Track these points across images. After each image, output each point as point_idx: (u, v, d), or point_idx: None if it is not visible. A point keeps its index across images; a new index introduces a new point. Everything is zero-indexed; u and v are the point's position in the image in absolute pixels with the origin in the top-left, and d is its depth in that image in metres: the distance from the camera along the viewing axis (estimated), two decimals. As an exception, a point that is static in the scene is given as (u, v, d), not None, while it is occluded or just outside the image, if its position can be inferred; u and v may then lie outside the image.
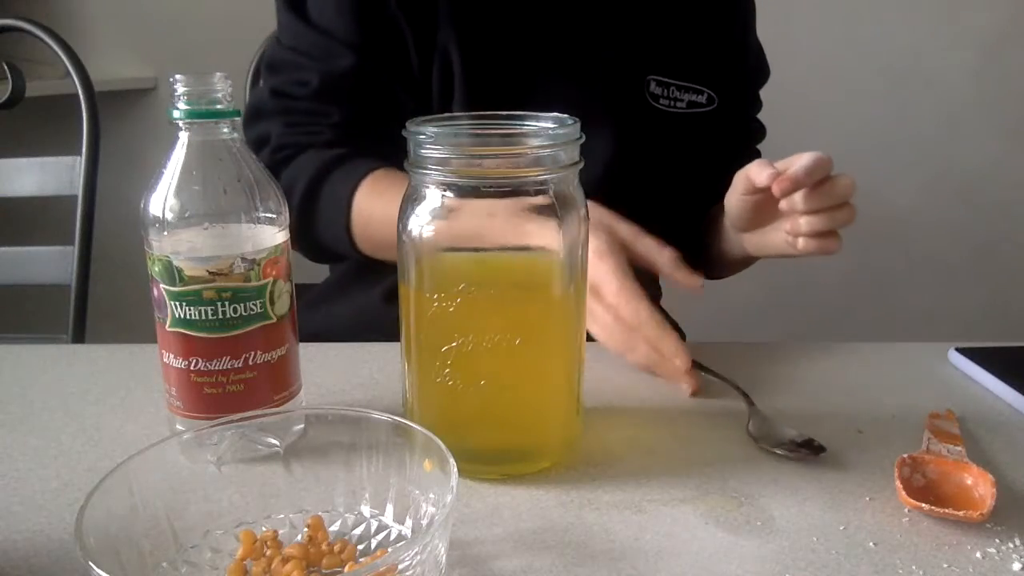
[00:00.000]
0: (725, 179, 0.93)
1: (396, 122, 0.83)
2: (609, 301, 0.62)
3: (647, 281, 1.03)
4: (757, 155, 1.01)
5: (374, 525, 0.44)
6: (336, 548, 0.42)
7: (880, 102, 1.95)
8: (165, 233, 0.49)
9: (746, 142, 1.00)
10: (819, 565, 0.43)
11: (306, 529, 0.43)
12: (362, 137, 0.81)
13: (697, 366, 0.65)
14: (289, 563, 0.40)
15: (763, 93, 1.00)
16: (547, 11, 0.83)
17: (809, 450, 0.53)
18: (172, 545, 0.40)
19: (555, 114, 0.51)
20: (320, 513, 0.44)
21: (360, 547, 0.43)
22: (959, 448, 0.52)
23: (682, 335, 0.98)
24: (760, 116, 1.01)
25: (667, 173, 0.86)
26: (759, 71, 0.98)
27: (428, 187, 0.48)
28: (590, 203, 0.51)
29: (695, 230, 0.94)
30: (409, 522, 0.43)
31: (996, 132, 1.98)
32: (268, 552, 0.41)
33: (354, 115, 0.81)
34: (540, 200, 0.48)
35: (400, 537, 0.43)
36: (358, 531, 0.44)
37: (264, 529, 0.43)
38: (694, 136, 0.88)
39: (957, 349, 0.69)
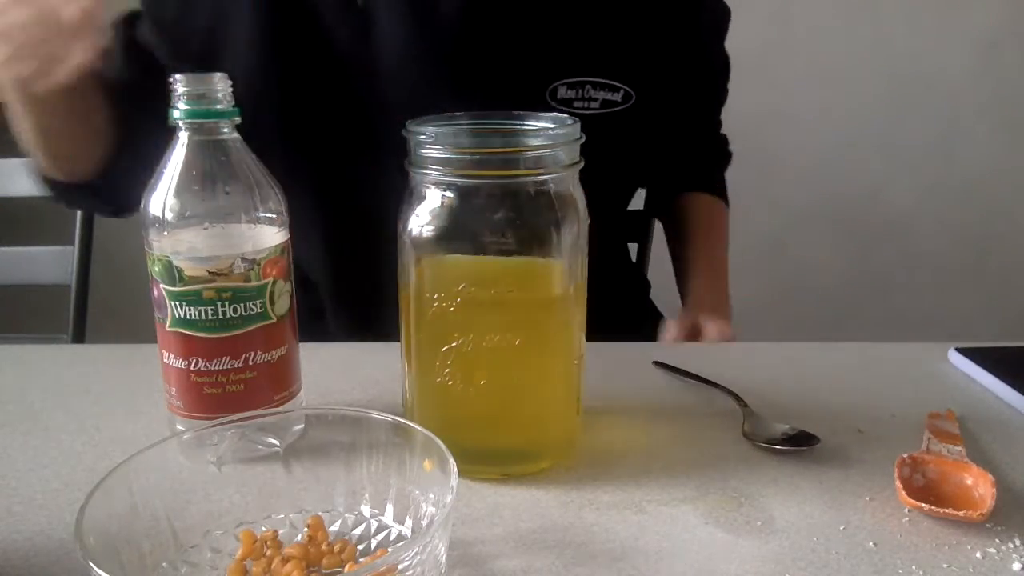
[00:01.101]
0: (670, 172, 0.93)
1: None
2: None
3: (622, 272, 1.02)
4: (723, 155, 1.01)
5: (374, 525, 0.44)
6: (336, 548, 0.42)
7: (880, 103, 1.95)
8: (165, 233, 0.49)
9: (705, 136, 0.98)
10: (819, 565, 0.43)
11: (306, 529, 0.43)
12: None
13: (687, 374, 0.65)
14: (289, 563, 0.40)
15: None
16: (431, 36, 0.77)
17: (802, 441, 0.54)
18: (172, 545, 0.40)
19: (554, 114, 0.51)
20: (320, 513, 0.44)
21: (360, 547, 0.43)
22: (959, 448, 0.52)
23: None
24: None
25: (591, 176, 0.81)
26: (717, 65, 0.94)
27: (428, 187, 0.48)
28: None
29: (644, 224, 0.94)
30: (409, 522, 0.43)
31: (996, 132, 1.98)
32: (268, 552, 0.41)
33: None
34: (540, 200, 0.48)
35: (400, 537, 0.43)
36: (358, 531, 0.44)
37: (264, 529, 0.43)
38: (610, 137, 0.81)
39: (957, 349, 0.69)
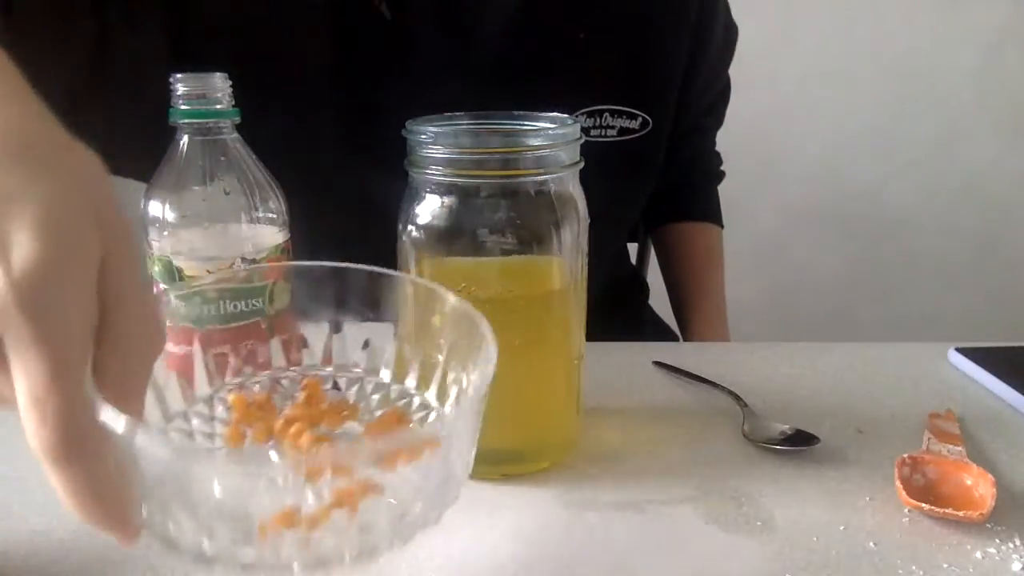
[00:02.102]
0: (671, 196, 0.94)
1: None
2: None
3: (624, 278, 1.03)
4: (717, 175, 1.01)
5: (370, 386, 0.42)
6: (337, 408, 0.40)
7: (880, 102, 1.95)
8: (165, 233, 0.49)
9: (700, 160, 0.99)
10: (819, 565, 0.43)
11: (302, 391, 0.40)
12: None
13: (687, 374, 0.65)
14: (294, 425, 0.37)
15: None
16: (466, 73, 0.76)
17: (802, 441, 0.54)
18: (159, 414, 0.38)
19: (555, 114, 0.51)
20: (313, 374, 0.42)
21: (362, 406, 0.41)
22: (959, 448, 0.52)
23: (674, 337, 0.98)
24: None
25: (598, 203, 0.73)
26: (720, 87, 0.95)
27: (428, 187, 0.48)
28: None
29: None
30: (412, 380, 0.41)
31: (996, 132, 1.98)
32: (265, 417, 0.39)
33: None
34: (540, 200, 0.48)
35: (404, 394, 0.41)
36: (353, 391, 0.42)
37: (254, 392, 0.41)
38: (627, 162, 0.83)
39: (957, 349, 0.69)
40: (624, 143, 0.81)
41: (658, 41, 0.82)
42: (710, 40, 0.87)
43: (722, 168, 1.02)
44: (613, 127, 0.80)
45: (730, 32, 0.92)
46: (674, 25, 0.83)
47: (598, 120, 0.79)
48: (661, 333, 0.99)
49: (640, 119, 0.81)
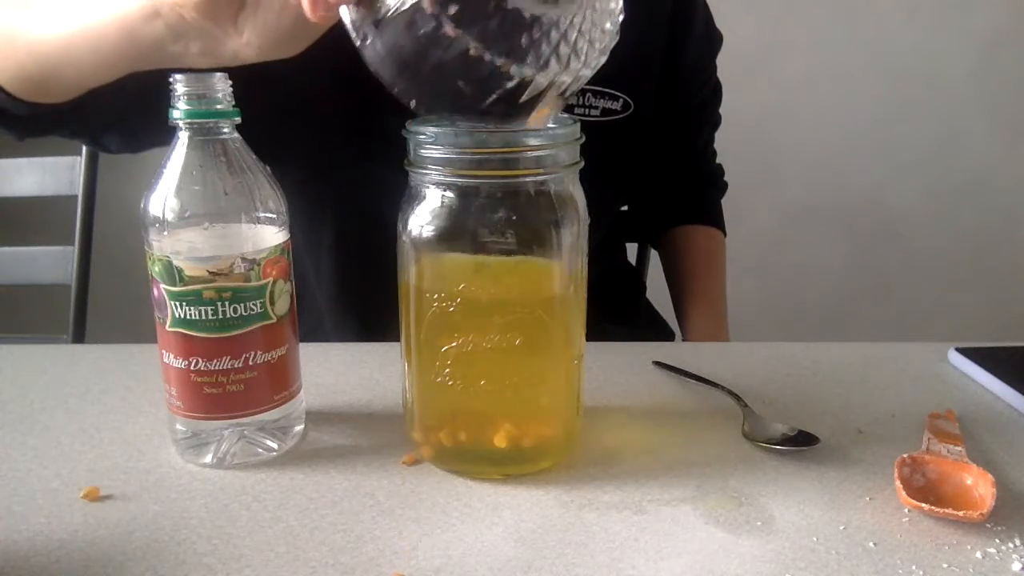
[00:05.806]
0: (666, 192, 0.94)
1: None
2: None
3: (628, 279, 1.03)
4: (718, 185, 1.02)
5: None
6: None
7: (880, 102, 1.95)
8: (165, 233, 0.49)
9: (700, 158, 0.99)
10: (819, 565, 0.43)
11: None
12: None
13: (687, 374, 0.65)
14: None
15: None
16: None
17: (802, 441, 0.54)
18: None
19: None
20: None
21: None
22: (959, 448, 0.52)
23: (671, 332, 0.98)
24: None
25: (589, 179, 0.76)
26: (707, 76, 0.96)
27: (428, 187, 0.48)
28: None
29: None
30: None
31: (996, 132, 1.98)
32: None
33: None
34: (540, 200, 0.48)
35: None
36: None
37: None
38: (609, 144, 0.84)
39: (957, 349, 0.69)
40: (607, 124, 0.83)
41: (635, 25, 0.84)
42: (689, 33, 0.89)
43: (724, 179, 1.02)
44: (596, 107, 0.82)
45: (712, 37, 0.94)
46: (650, 12, 0.85)
47: (581, 99, 0.82)
48: (657, 326, 0.99)
49: (621, 101, 0.83)
